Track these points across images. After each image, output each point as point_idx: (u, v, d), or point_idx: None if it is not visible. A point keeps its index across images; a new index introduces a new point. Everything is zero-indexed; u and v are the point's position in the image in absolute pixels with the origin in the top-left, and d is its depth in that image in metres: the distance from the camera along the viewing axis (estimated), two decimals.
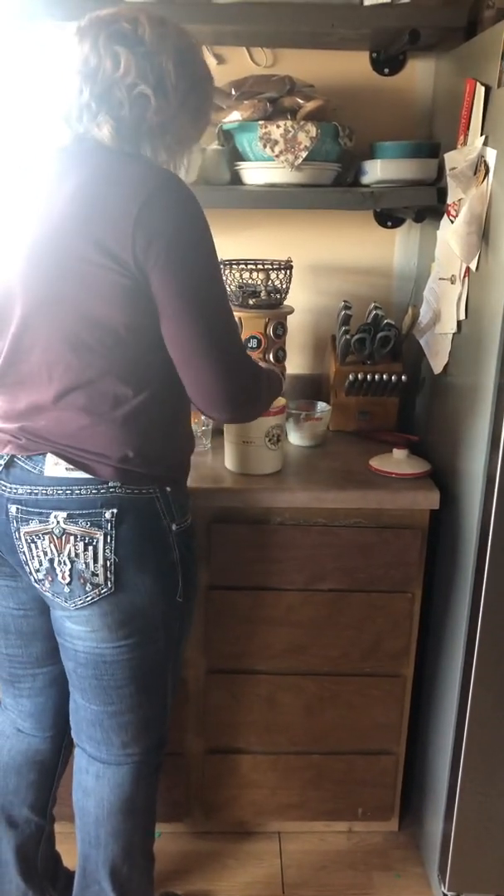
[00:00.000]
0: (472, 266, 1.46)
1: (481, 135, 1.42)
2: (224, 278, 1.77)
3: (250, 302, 1.77)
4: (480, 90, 1.42)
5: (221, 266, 1.75)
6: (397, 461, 1.65)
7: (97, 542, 1.21)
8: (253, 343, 1.76)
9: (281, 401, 1.62)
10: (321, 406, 1.84)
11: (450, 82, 1.69)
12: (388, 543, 1.59)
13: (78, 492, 1.21)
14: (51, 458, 1.22)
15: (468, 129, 1.48)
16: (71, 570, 1.22)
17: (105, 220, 1.11)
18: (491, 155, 1.37)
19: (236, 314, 1.75)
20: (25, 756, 1.47)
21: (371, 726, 1.73)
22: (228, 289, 1.78)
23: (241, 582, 1.62)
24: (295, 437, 1.80)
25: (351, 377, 1.79)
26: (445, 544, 1.63)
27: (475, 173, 1.43)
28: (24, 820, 1.48)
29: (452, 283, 1.56)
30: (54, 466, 1.21)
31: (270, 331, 1.77)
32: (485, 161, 1.40)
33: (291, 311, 1.83)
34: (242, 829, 1.88)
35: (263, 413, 1.45)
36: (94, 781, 1.39)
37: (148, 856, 1.47)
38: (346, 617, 1.64)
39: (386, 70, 1.86)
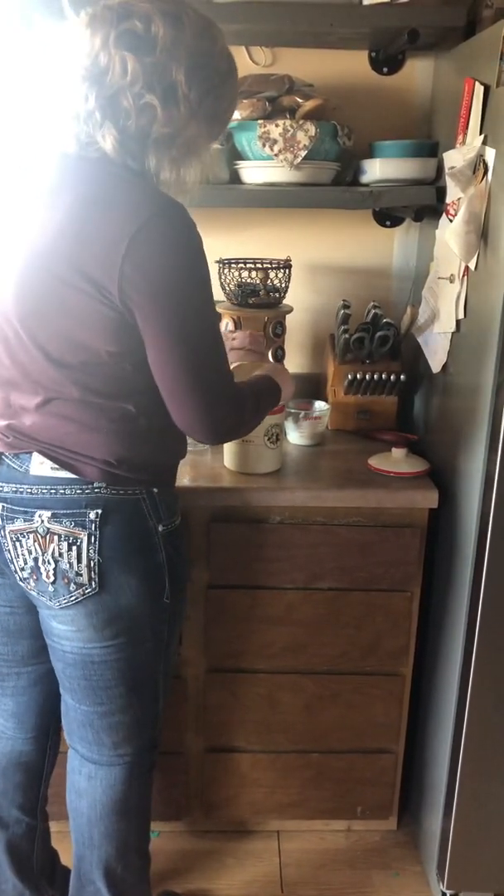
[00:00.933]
0: (471, 265, 1.46)
1: (480, 134, 1.42)
2: (224, 279, 1.78)
3: (249, 301, 1.77)
4: (479, 89, 1.42)
5: (221, 265, 1.76)
6: (396, 460, 1.65)
7: (81, 542, 1.21)
8: None
9: None
10: (320, 405, 1.84)
11: (449, 82, 1.69)
12: (387, 542, 1.59)
13: (63, 491, 1.21)
14: (37, 458, 1.21)
15: (467, 128, 1.48)
16: (55, 569, 1.22)
17: (93, 247, 1.08)
18: (490, 154, 1.37)
19: (235, 313, 1.76)
20: (9, 758, 1.46)
21: (370, 725, 1.74)
22: (227, 288, 1.79)
23: (240, 581, 1.62)
24: (294, 436, 1.80)
25: (350, 376, 1.79)
26: (444, 543, 1.63)
27: (474, 172, 1.43)
28: (15, 820, 1.48)
29: (451, 282, 1.56)
30: (40, 465, 1.21)
31: (269, 330, 1.77)
32: (484, 160, 1.40)
33: (290, 310, 1.83)
34: (241, 827, 1.88)
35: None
36: (86, 782, 1.38)
37: (143, 855, 1.46)
38: (346, 616, 1.65)
39: (385, 69, 1.86)
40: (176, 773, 1.76)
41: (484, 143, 1.40)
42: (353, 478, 1.61)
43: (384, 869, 1.79)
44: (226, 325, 1.77)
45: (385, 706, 1.72)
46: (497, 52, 1.34)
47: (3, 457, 1.24)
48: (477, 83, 1.43)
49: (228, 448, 1.63)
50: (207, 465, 1.67)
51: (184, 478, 1.57)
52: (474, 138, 1.44)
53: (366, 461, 1.68)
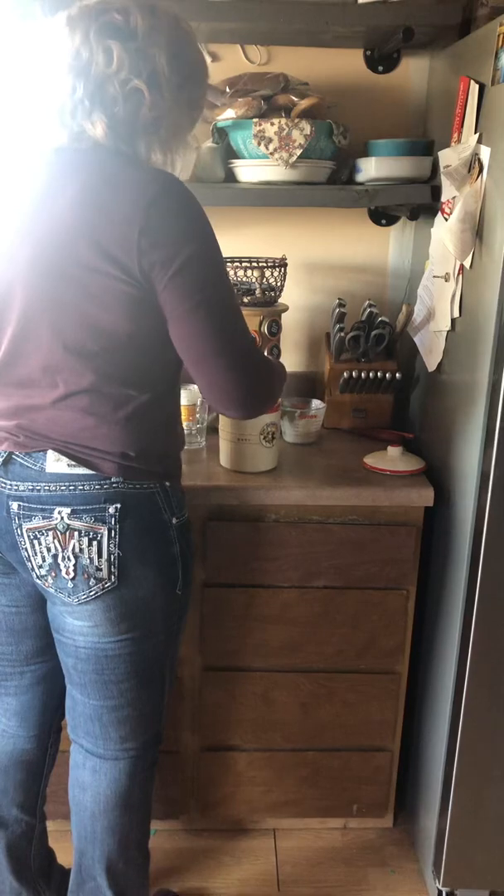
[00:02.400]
0: (466, 264, 1.46)
1: (475, 132, 1.42)
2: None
3: (245, 300, 1.77)
4: (474, 88, 1.42)
5: None
6: (392, 458, 1.66)
7: (102, 536, 1.22)
8: None
9: None
10: (316, 404, 1.84)
11: (444, 80, 1.69)
12: (383, 540, 1.60)
13: (81, 487, 1.21)
14: (52, 455, 1.21)
15: (462, 126, 1.48)
16: (75, 565, 1.23)
17: (109, 226, 1.10)
18: (485, 153, 1.37)
19: None
20: (11, 756, 1.46)
21: (366, 723, 1.74)
22: None
23: (236, 579, 1.62)
24: (290, 435, 1.80)
25: (345, 375, 1.79)
26: (440, 541, 1.63)
27: (469, 171, 1.43)
28: (14, 819, 1.48)
29: (447, 280, 1.57)
30: (55, 463, 1.21)
31: (265, 328, 1.77)
32: (479, 159, 1.40)
33: (286, 308, 1.83)
34: (238, 826, 1.88)
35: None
36: (90, 776, 1.39)
37: (144, 851, 1.47)
38: (341, 614, 1.65)
39: (380, 68, 1.86)
40: (172, 771, 1.76)
41: (479, 141, 1.40)
42: (349, 476, 1.61)
43: (380, 866, 1.79)
44: None
45: (381, 704, 1.72)
46: (492, 50, 1.34)
47: (13, 456, 1.24)
48: (472, 81, 1.43)
49: (224, 447, 1.63)
50: (203, 463, 1.67)
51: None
52: (469, 137, 1.44)
53: (361, 460, 1.68)
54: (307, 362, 2.05)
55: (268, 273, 1.77)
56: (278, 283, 1.80)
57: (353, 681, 1.70)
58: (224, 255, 1.77)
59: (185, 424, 1.67)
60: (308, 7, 1.58)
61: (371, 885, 1.75)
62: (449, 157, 1.50)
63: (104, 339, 1.16)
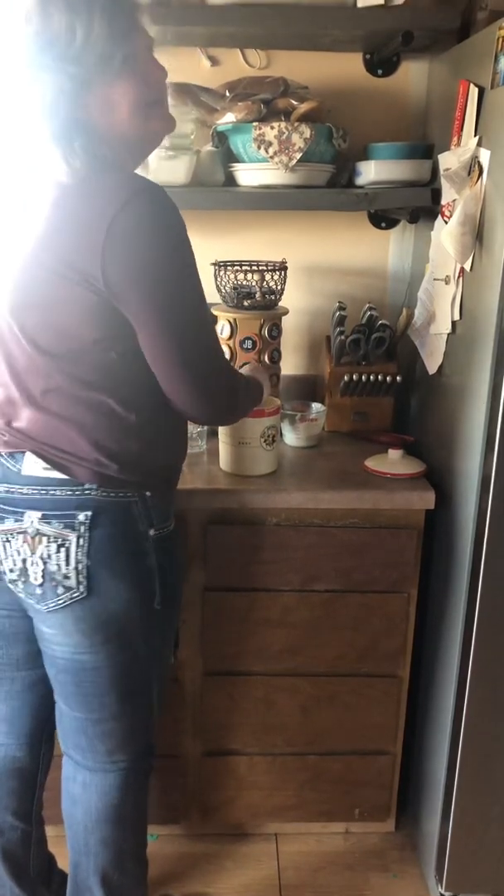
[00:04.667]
0: (467, 266, 1.46)
1: (475, 136, 1.42)
2: (220, 281, 1.77)
3: (245, 303, 1.77)
4: (474, 91, 1.42)
5: (216, 268, 1.76)
6: (392, 461, 1.65)
7: (70, 544, 1.20)
8: (248, 344, 1.76)
9: (276, 402, 1.62)
10: (316, 407, 1.84)
11: (443, 84, 1.70)
12: (384, 544, 1.59)
13: (53, 492, 1.20)
14: (30, 457, 1.21)
15: (462, 130, 1.48)
16: (43, 571, 1.21)
17: (76, 234, 1.09)
18: (485, 156, 1.38)
19: (231, 315, 1.76)
20: (2, 764, 1.45)
21: (367, 727, 1.73)
22: (223, 290, 1.79)
23: (236, 583, 1.62)
24: (290, 438, 1.80)
25: (346, 378, 1.79)
26: (441, 544, 1.63)
27: (469, 174, 1.43)
28: (10, 827, 1.47)
29: (447, 283, 1.57)
30: (33, 465, 1.21)
31: (265, 332, 1.77)
32: (478, 162, 1.40)
33: (286, 312, 1.83)
34: (239, 830, 1.87)
35: (247, 416, 1.47)
36: (81, 790, 1.37)
37: (140, 861, 1.45)
38: (342, 618, 1.64)
39: (380, 71, 1.86)
40: (173, 776, 1.75)
41: (479, 144, 1.41)
42: (350, 479, 1.61)
43: (383, 871, 1.79)
44: (222, 328, 1.77)
45: (382, 708, 1.72)
46: (491, 53, 1.34)
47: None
48: (472, 85, 1.43)
49: (224, 450, 1.62)
50: (204, 467, 1.67)
51: (180, 480, 1.57)
52: (469, 140, 1.44)
53: (362, 463, 1.68)
54: (307, 365, 2.05)
55: (268, 276, 1.77)
56: (278, 287, 1.80)
57: (355, 684, 1.70)
58: (224, 259, 1.80)
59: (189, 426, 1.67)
60: (307, 11, 1.58)
61: (373, 889, 1.74)
62: (449, 161, 1.50)
63: (69, 341, 1.15)
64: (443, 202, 1.56)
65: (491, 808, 1.58)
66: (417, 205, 1.71)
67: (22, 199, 1.17)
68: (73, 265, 1.10)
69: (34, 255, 1.12)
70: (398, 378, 1.80)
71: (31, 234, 1.13)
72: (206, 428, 1.75)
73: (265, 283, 1.77)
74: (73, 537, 1.20)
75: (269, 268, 1.78)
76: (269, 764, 1.76)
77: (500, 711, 1.52)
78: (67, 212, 1.11)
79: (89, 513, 1.20)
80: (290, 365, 2.01)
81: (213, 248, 1.85)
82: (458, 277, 1.51)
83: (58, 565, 1.21)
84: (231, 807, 1.80)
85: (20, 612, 1.34)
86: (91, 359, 1.16)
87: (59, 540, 1.20)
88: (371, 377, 1.79)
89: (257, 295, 1.77)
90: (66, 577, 1.21)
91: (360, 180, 1.77)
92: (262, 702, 1.71)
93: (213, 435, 1.73)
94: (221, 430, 1.62)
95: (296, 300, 1.96)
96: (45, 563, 1.21)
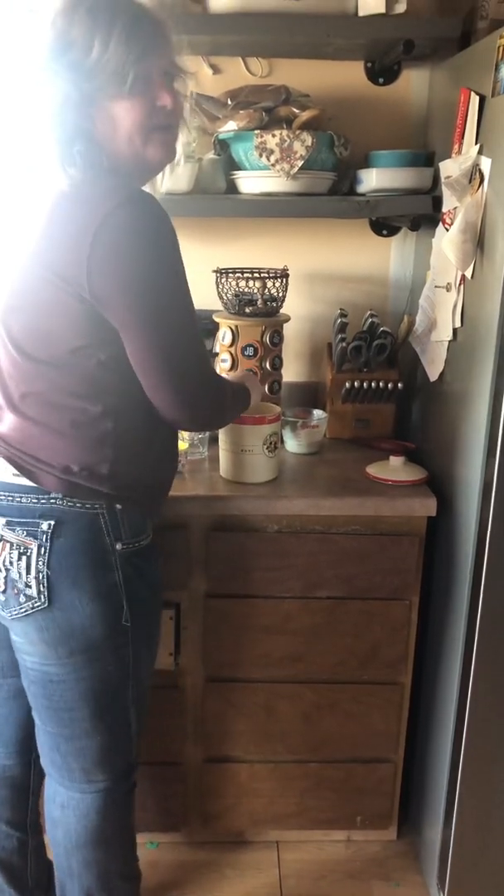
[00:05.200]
0: (468, 274, 1.46)
1: (476, 143, 1.43)
2: (222, 288, 1.78)
3: (247, 310, 1.78)
4: (475, 99, 1.43)
5: (218, 275, 1.77)
6: (394, 468, 1.66)
7: (31, 552, 1.19)
8: (249, 351, 1.77)
9: (277, 409, 1.63)
10: (318, 414, 1.84)
11: (444, 92, 1.70)
12: (386, 551, 1.59)
13: (19, 499, 1.20)
14: (2, 463, 1.21)
15: (463, 138, 1.49)
16: (6, 578, 1.21)
17: (64, 242, 1.10)
18: (486, 163, 1.38)
19: (233, 322, 1.76)
20: None
21: (369, 734, 1.73)
22: (224, 297, 1.79)
23: (238, 590, 1.62)
24: (292, 445, 1.80)
25: (347, 385, 1.79)
26: (443, 551, 1.63)
27: (470, 182, 1.44)
28: (5, 836, 1.46)
29: (448, 290, 1.57)
30: (3, 471, 1.20)
31: (267, 339, 1.77)
32: (479, 169, 1.40)
33: (288, 319, 1.83)
34: (240, 838, 1.87)
35: (246, 423, 1.47)
36: (60, 812, 1.35)
37: (129, 878, 1.43)
38: (344, 625, 1.64)
39: (381, 80, 1.87)
40: (174, 783, 1.75)
41: (480, 152, 1.41)
42: (351, 486, 1.61)
43: (384, 879, 1.78)
44: (223, 335, 1.78)
45: (384, 715, 1.72)
46: (492, 62, 1.34)
47: None
48: (472, 93, 1.44)
49: (225, 457, 1.62)
50: (205, 473, 1.67)
51: (181, 487, 1.57)
52: (470, 148, 1.45)
53: (363, 470, 1.68)
54: (309, 372, 2.06)
55: (269, 284, 1.78)
56: (280, 294, 1.80)
57: (356, 691, 1.70)
58: (225, 266, 1.80)
59: (187, 435, 1.68)
60: (309, 20, 1.59)
61: None
62: (450, 168, 1.50)
63: (52, 347, 1.15)
64: (444, 210, 1.56)
65: (493, 816, 1.58)
66: (419, 212, 1.71)
67: (21, 203, 1.18)
68: (60, 272, 1.10)
69: (26, 260, 1.13)
70: (399, 385, 1.80)
71: (26, 240, 1.14)
72: (207, 434, 1.75)
73: (267, 290, 1.78)
74: (34, 546, 1.19)
75: (271, 275, 1.78)
76: (270, 771, 1.76)
77: (501, 719, 1.52)
78: (60, 218, 1.11)
79: (52, 522, 1.19)
80: (292, 372, 2.01)
81: (214, 255, 1.85)
82: (460, 285, 1.51)
83: (19, 573, 1.20)
84: (232, 814, 1.79)
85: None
86: (73, 366, 1.16)
87: (21, 548, 1.19)
88: (372, 384, 1.79)
89: (259, 302, 1.78)
90: (28, 585, 1.20)
91: (361, 188, 1.78)
92: (263, 709, 1.70)
93: (215, 442, 1.73)
94: (222, 437, 1.62)
95: (297, 307, 1.96)
96: (7, 570, 1.20)
